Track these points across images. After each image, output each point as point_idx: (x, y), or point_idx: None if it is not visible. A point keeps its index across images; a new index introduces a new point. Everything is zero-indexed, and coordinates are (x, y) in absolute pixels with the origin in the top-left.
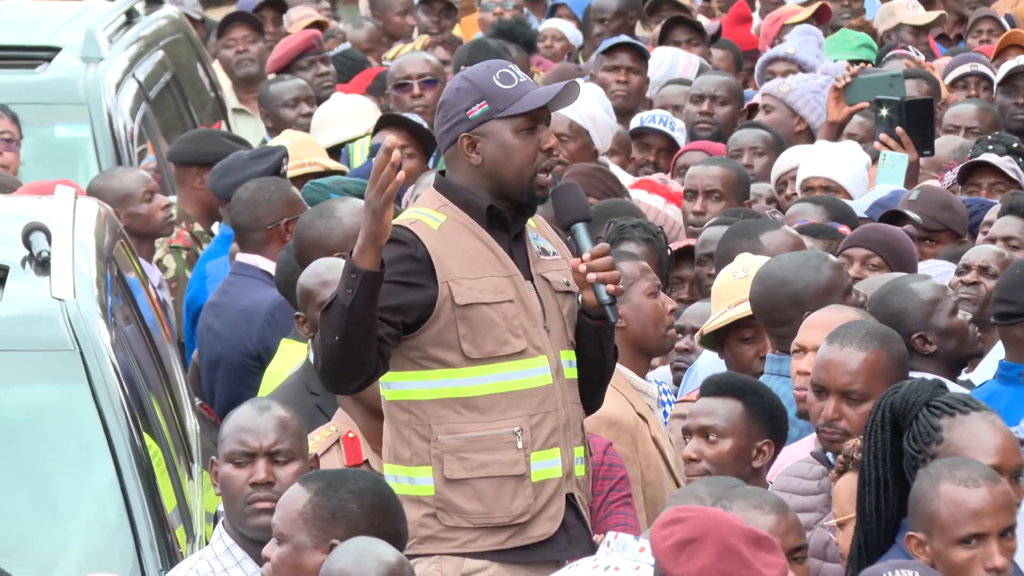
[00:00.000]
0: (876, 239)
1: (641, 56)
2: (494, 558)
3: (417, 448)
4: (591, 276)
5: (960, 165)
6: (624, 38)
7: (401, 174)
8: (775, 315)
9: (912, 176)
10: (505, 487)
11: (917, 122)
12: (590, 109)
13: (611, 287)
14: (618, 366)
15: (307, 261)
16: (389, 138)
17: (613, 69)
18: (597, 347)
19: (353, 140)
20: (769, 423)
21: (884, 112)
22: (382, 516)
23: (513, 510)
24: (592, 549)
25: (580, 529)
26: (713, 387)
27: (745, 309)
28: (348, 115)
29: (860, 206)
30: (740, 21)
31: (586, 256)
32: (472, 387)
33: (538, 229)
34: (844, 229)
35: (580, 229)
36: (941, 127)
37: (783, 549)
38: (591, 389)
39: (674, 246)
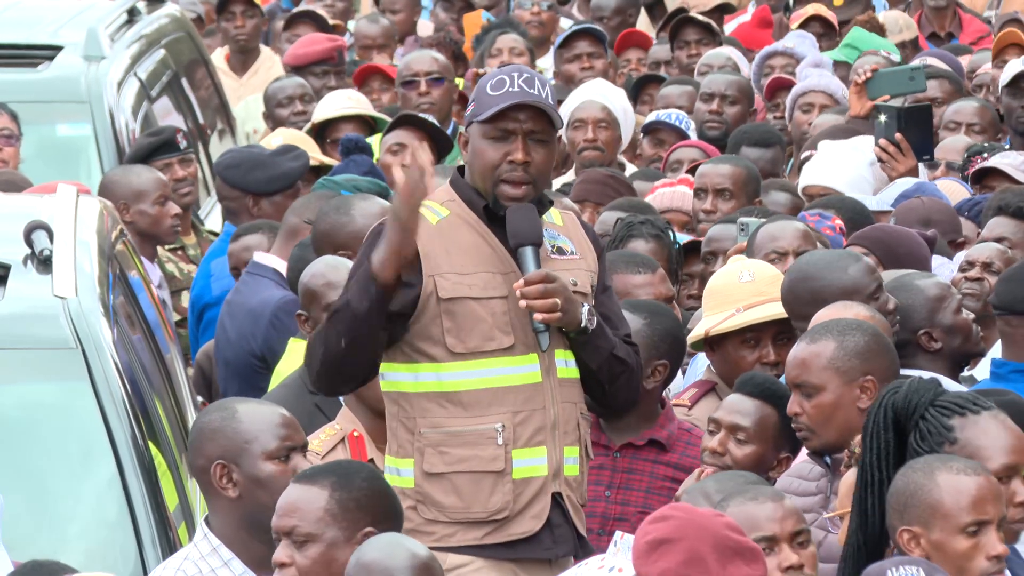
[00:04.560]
0: (873, 237)
1: (598, 40)
2: (476, 553)
3: (402, 440)
4: (522, 303)
5: (974, 168)
6: (577, 26)
7: (430, 183)
8: (797, 309)
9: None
10: (483, 483)
11: (916, 127)
12: (623, 103)
13: (542, 316)
14: None
15: (321, 253)
16: (413, 144)
17: (574, 59)
18: (584, 357)
19: (327, 121)
20: (794, 437)
21: (883, 118)
22: (391, 498)
23: (491, 506)
24: (575, 549)
25: (566, 529)
26: (753, 388)
27: (760, 314)
28: (323, 101)
29: (886, 199)
30: (763, 25)
31: (518, 283)
32: (456, 382)
33: (564, 227)
34: (837, 223)
35: (527, 253)
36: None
37: (783, 534)
38: (597, 392)
39: (683, 242)
